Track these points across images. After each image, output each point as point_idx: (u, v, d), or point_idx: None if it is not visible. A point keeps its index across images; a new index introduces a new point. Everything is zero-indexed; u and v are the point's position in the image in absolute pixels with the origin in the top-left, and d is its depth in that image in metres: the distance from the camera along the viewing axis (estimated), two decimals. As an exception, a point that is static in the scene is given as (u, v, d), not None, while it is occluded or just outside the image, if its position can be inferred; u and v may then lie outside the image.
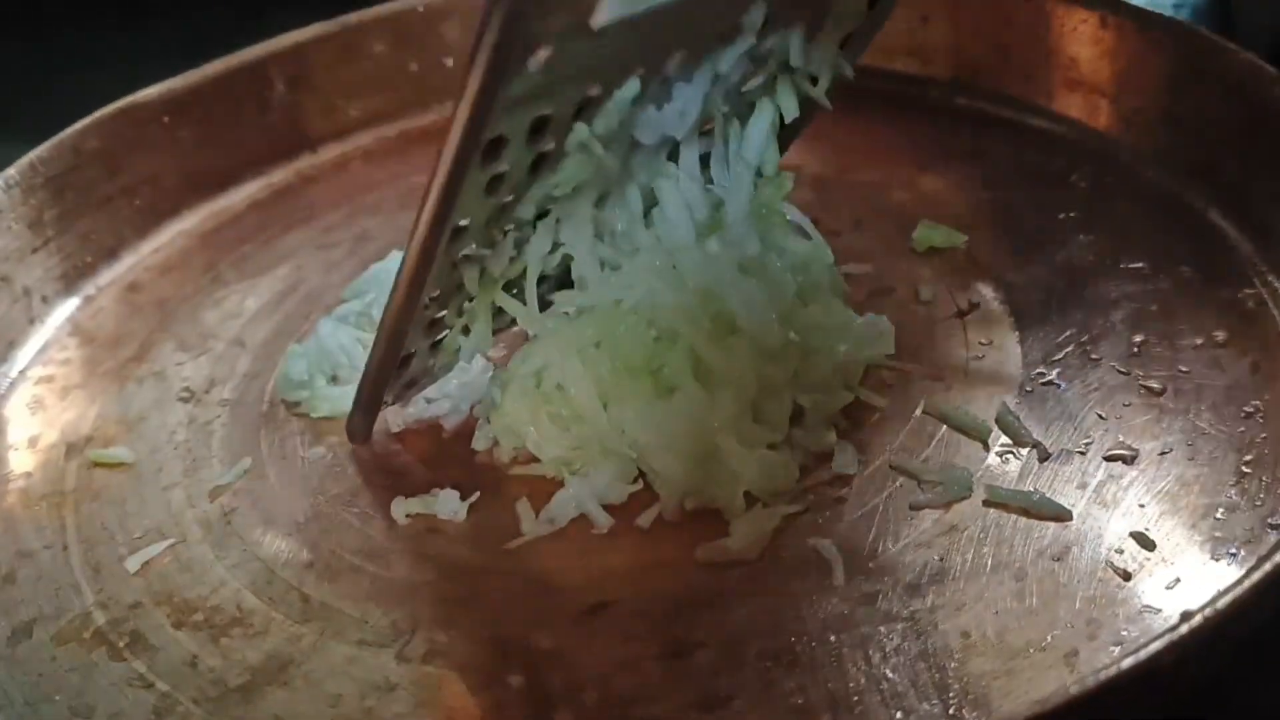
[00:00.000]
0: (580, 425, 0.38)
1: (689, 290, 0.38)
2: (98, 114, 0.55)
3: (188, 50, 0.60)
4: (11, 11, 0.85)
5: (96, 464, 0.44)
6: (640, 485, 0.39)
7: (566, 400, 0.38)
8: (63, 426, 0.46)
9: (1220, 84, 0.47)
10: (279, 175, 0.60)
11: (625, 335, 0.38)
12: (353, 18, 0.62)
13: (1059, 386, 0.41)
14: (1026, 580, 0.34)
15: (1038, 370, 0.41)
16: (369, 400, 0.40)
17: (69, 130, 0.54)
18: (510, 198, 0.37)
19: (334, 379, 0.46)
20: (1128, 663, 0.28)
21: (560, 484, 0.39)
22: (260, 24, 0.63)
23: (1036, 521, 0.36)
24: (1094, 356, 0.41)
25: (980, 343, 0.43)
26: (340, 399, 0.45)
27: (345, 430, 0.42)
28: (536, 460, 0.40)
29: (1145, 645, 0.28)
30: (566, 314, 0.39)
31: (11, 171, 0.51)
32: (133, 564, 0.39)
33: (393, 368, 0.39)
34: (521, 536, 0.38)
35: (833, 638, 0.33)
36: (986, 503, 0.37)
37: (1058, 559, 0.35)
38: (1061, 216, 0.49)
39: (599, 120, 0.36)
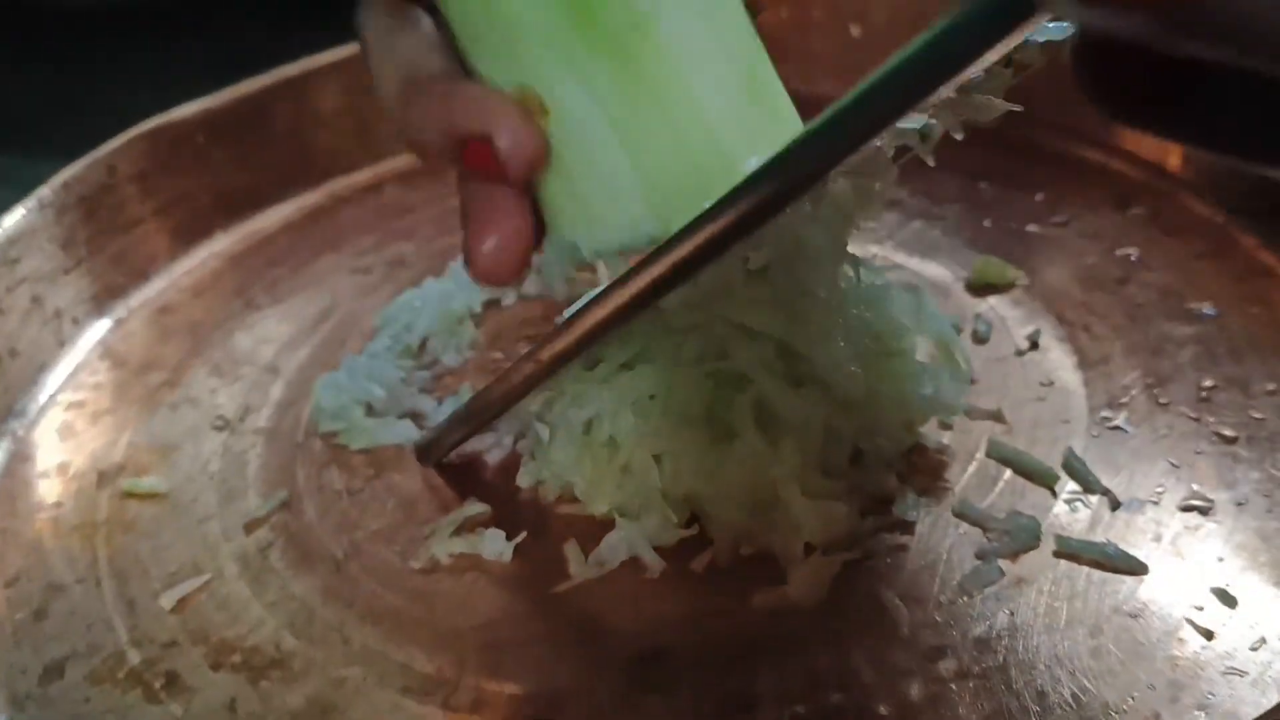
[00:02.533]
0: (632, 477, 0.37)
1: (763, 338, 0.36)
2: (131, 133, 0.54)
3: (218, 69, 0.59)
4: (42, 31, 0.84)
5: (129, 494, 0.42)
6: (694, 530, 0.37)
7: (618, 453, 0.37)
8: (94, 454, 0.45)
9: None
10: (311, 197, 0.59)
11: (682, 385, 0.37)
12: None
13: (1126, 432, 0.39)
14: (1102, 638, 0.33)
15: (1103, 414, 0.40)
16: (458, 440, 0.40)
17: (102, 149, 0.53)
18: None
19: (369, 409, 0.45)
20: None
21: (609, 524, 0.38)
22: (291, 42, 0.62)
23: (1110, 574, 0.34)
24: (1162, 401, 0.40)
25: (1041, 383, 0.42)
26: (377, 431, 0.44)
27: (414, 450, 0.42)
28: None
29: (1234, 712, 0.27)
30: (623, 366, 0.38)
31: (45, 190, 0.50)
32: (167, 600, 0.38)
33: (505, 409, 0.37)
34: (570, 579, 0.37)
35: (900, 692, 0.32)
36: (1057, 553, 0.35)
37: (1135, 615, 0.33)
38: (1119, 253, 0.47)
39: None
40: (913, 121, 0.33)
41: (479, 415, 0.38)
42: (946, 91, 0.24)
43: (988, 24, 0.22)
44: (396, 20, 0.33)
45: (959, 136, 0.35)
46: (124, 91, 0.77)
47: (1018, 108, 0.33)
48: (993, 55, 0.22)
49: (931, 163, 0.35)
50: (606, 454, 0.37)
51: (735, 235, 0.28)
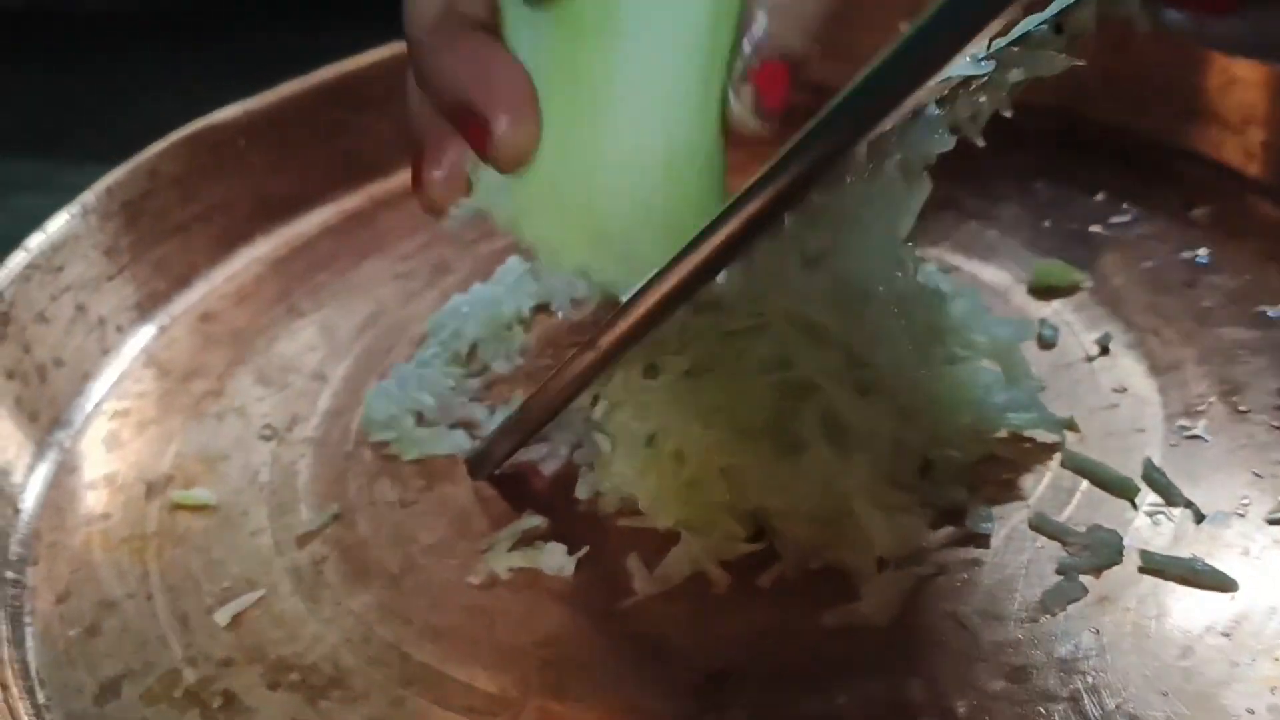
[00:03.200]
0: (698, 491, 0.36)
1: (829, 345, 0.35)
2: (172, 137, 0.53)
3: (247, 71, 0.59)
4: (69, 36, 0.84)
5: (179, 506, 0.42)
6: (760, 544, 0.36)
7: (684, 467, 0.36)
8: (141, 464, 0.44)
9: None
10: (351, 201, 0.58)
11: (748, 396, 0.35)
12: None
13: (1205, 441, 0.38)
14: (1195, 658, 0.31)
15: (1180, 422, 0.39)
16: (513, 446, 0.39)
17: (144, 154, 0.52)
18: None
19: (420, 419, 0.44)
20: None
21: (671, 537, 0.37)
22: (320, 43, 0.61)
23: (1199, 591, 0.33)
24: (1241, 409, 0.39)
25: (1114, 390, 0.40)
26: (430, 440, 0.43)
27: (465, 463, 0.41)
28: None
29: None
30: (686, 373, 0.37)
31: (89, 196, 0.49)
32: (222, 617, 0.37)
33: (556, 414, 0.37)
34: (633, 595, 0.36)
35: (985, 715, 0.31)
36: (1142, 569, 0.34)
37: (1227, 634, 0.32)
38: (1185, 255, 0.46)
39: None
40: (972, 68, 0.32)
41: (535, 417, 0.37)
42: (976, 47, 0.25)
43: None
44: None
45: (1008, 114, 0.34)
46: (152, 96, 0.76)
47: (1080, 62, 0.32)
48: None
49: (981, 143, 0.34)
50: (673, 468, 0.36)
51: (783, 204, 0.28)
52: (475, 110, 0.32)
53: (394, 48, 0.60)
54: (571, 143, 0.33)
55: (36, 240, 0.47)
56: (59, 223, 0.48)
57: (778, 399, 0.36)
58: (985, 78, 0.32)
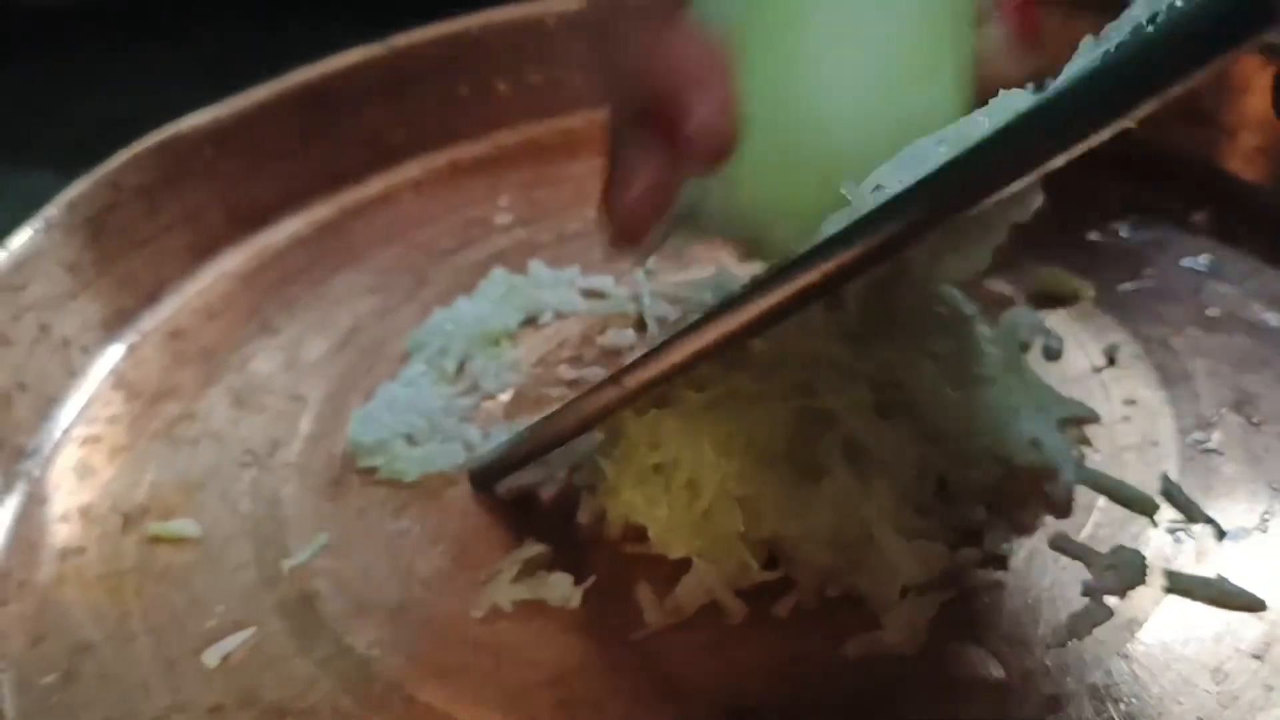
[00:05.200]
0: (712, 522, 0.34)
1: (856, 372, 0.34)
2: (137, 147, 0.50)
3: (205, 69, 0.57)
4: (27, 35, 0.80)
5: (157, 539, 0.39)
6: (777, 573, 0.35)
7: (699, 497, 0.34)
8: (115, 494, 0.42)
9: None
10: (322, 210, 0.56)
11: (765, 423, 0.34)
12: (400, 40, 0.58)
13: (1221, 454, 0.37)
14: (1228, 683, 0.31)
15: (1194, 436, 0.38)
16: (517, 465, 0.38)
17: (107, 165, 0.49)
18: None
19: (409, 439, 0.42)
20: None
21: (681, 564, 0.35)
22: (283, 40, 0.59)
23: (1226, 612, 0.33)
24: (1254, 420, 0.38)
25: (1125, 402, 0.40)
26: (424, 460, 0.41)
27: (469, 475, 0.40)
28: (650, 536, 0.36)
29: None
30: (702, 399, 0.35)
31: (51, 210, 0.47)
32: (210, 659, 0.35)
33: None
34: (645, 628, 0.35)
35: (1021, 751, 0.30)
36: (1168, 589, 0.33)
37: (1259, 656, 0.31)
38: (1188, 262, 0.45)
39: None
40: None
41: (545, 443, 0.36)
42: (1148, 109, 0.21)
43: (1217, 26, 0.19)
44: None
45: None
46: (104, 96, 0.73)
47: None
48: (1213, 67, 0.20)
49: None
50: (686, 498, 0.35)
51: (853, 271, 0.26)
52: (667, 94, 0.27)
53: (364, 51, 0.58)
54: (790, 85, 0.30)
55: (-3, 258, 0.45)
56: (22, 239, 0.45)
57: (797, 426, 0.35)
58: None
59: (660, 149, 0.28)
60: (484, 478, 0.39)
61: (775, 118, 0.30)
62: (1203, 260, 0.45)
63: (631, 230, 0.29)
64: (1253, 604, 0.32)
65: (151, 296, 0.50)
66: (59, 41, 0.81)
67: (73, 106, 0.73)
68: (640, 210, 0.29)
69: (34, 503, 0.42)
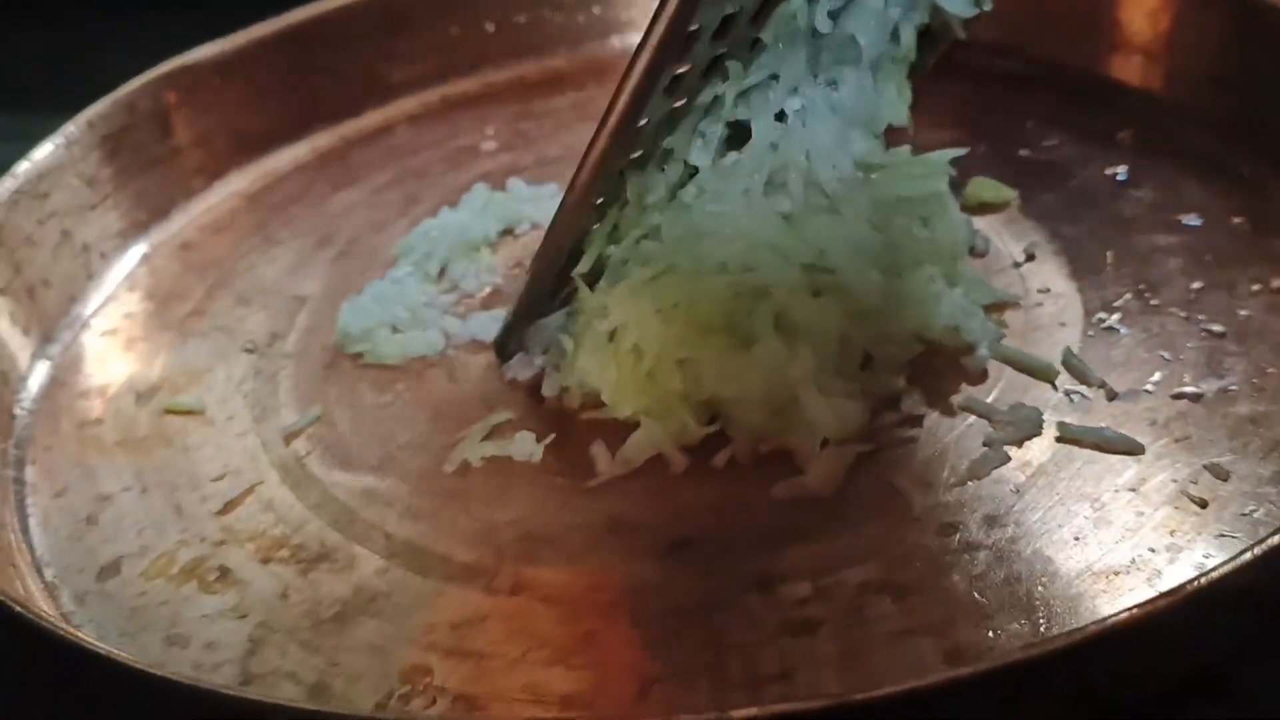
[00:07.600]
0: (656, 382, 0.39)
1: (789, 253, 0.39)
2: (151, 73, 0.55)
3: (209, 30, 0.60)
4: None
5: (169, 411, 0.44)
6: (715, 427, 0.39)
7: (643, 360, 0.39)
8: (130, 376, 0.46)
9: (1268, 43, 0.48)
10: (324, 139, 0.60)
11: (705, 294, 0.39)
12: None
13: (1120, 331, 0.41)
14: (1105, 510, 0.35)
15: (1098, 316, 0.42)
16: (529, 307, 0.42)
17: (123, 89, 0.54)
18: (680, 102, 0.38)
19: (393, 328, 0.47)
20: (1217, 573, 0.28)
21: (633, 426, 0.40)
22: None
23: (1110, 456, 0.37)
24: (1153, 303, 0.42)
25: (1039, 291, 0.44)
26: (407, 344, 0.45)
27: (494, 346, 0.44)
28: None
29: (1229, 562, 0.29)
30: (647, 273, 0.40)
31: (70, 128, 0.51)
32: (214, 504, 0.40)
33: (559, 268, 0.40)
34: (598, 476, 0.39)
35: (917, 564, 0.34)
36: (1059, 439, 0.37)
37: (1134, 489, 0.35)
38: (1109, 173, 0.49)
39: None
40: None
41: (552, 249, 0.40)
42: None
43: None
44: None
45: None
46: (119, 51, 0.77)
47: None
48: None
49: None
50: (632, 360, 0.39)
51: None
52: None
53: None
54: None
55: (23, 168, 0.49)
56: (44, 151, 0.50)
57: (734, 299, 0.39)
58: None
59: None
60: (504, 345, 0.43)
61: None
62: (1122, 171, 0.49)
63: None
64: (1133, 448, 0.37)
65: (163, 211, 0.55)
66: (81, 3, 0.85)
67: (94, 69, 0.77)
68: None
69: (56, 384, 0.46)
